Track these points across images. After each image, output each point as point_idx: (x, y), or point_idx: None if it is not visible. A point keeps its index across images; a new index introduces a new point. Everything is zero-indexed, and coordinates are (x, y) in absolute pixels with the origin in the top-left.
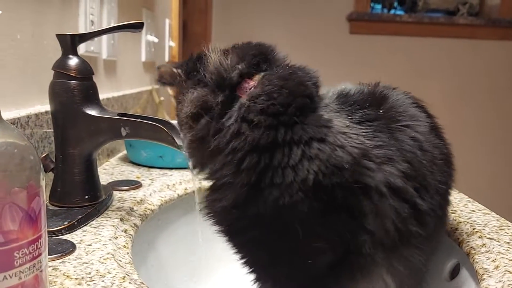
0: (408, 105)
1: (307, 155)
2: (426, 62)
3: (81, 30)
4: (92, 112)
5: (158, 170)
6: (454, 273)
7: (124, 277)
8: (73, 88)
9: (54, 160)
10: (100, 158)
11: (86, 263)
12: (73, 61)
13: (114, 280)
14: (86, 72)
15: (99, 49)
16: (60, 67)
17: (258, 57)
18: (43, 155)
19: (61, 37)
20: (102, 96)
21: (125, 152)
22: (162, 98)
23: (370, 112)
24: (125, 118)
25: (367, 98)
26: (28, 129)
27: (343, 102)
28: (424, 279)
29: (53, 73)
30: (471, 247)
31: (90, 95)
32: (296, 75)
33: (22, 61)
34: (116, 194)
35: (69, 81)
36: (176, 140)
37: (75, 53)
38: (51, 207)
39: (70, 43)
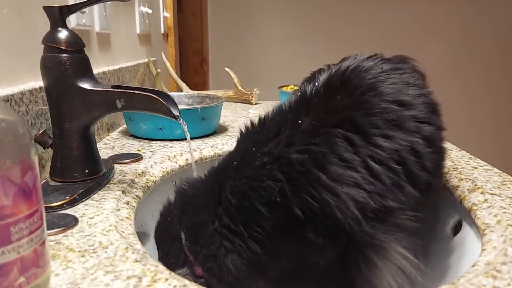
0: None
1: None
2: (430, 19)
3: (72, 2)
4: (86, 85)
5: (158, 142)
6: (457, 229)
7: (127, 247)
8: (65, 62)
9: (52, 136)
10: (100, 133)
11: (89, 235)
12: (62, 34)
13: (117, 251)
14: (76, 44)
15: (91, 22)
16: (49, 41)
17: None
18: (41, 132)
19: (48, 10)
20: (97, 70)
21: (125, 126)
22: (159, 70)
23: None
24: (119, 90)
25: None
26: (23, 106)
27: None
28: (430, 237)
29: (43, 47)
30: (473, 203)
31: (83, 68)
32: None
33: (10, 36)
34: (117, 167)
35: (60, 55)
36: (172, 110)
37: (64, 26)
38: (52, 183)
39: (58, 15)
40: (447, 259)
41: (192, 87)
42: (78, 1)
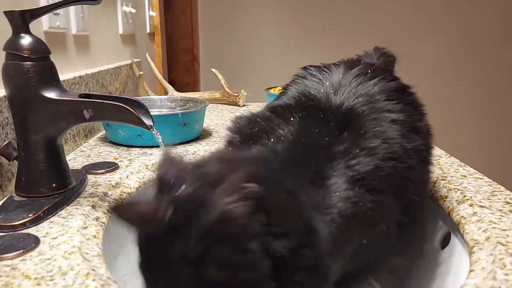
0: (378, 113)
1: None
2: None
3: (42, 4)
4: (51, 94)
5: (138, 149)
6: (445, 242)
7: (87, 273)
8: (28, 70)
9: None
10: (77, 140)
11: (49, 259)
12: (25, 40)
13: (77, 278)
14: (40, 51)
15: (67, 24)
16: (11, 48)
17: None
18: (5, 143)
19: (9, 14)
20: (74, 74)
21: (104, 131)
22: (141, 72)
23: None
24: (87, 100)
25: (344, 139)
26: None
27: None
28: (408, 278)
29: (4, 54)
30: (462, 216)
31: (48, 77)
32: None
33: None
34: (91, 178)
35: (22, 63)
36: (145, 120)
37: (27, 31)
38: (16, 198)
39: (20, 20)
40: (433, 275)
41: (182, 86)
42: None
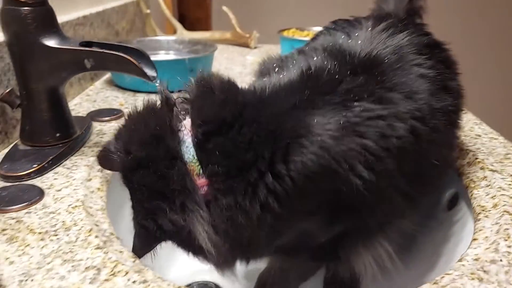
0: (405, 64)
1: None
2: None
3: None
4: (50, 42)
5: (144, 94)
6: (452, 203)
7: (91, 229)
8: (25, 16)
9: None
10: (82, 83)
11: (53, 213)
12: None
13: (80, 234)
14: None
15: None
16: None
17: None
18: (7, 91)
19: None
20: (78, 13)
21: (110, 74)
22: (148, 11)
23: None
24: (88, 49)
25: (357, 78)
26: None
27: (314, 89)
28: (415, 240)
29: None
30: (471, 180)
31: (47, 23)
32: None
33: None
34: (96, 126)
35: (19, 8)
36: (148, 71)
37: None
38: (21, 147)
39: None
40: (439, 239)
41: (194, 22)
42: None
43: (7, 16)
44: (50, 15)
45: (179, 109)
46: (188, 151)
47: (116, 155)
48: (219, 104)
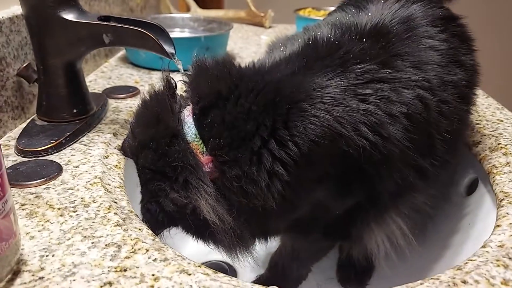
0: (415, 35)
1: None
2: None
3: None
4: (69, 16)
5: (159, 73)
6: (471, 189)
7: (109, 206)
8: None
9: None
10: (97, 60)
11: (72, 189)
12: None
13: (99, 211)
14: None
15: None
16: None
17: None
18: (24, 65)
19: None
20: None
21: (125, 51)
22: None
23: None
24: (107, 23)
25: (359, 43)
26: (2, 37)
27: (312, 55)
28: (431, 220)
29: None
30: (493, 165)
31: None
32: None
33: None
34: (112, 103)
35: None
36: (166, 47)
37: None
38: (39, 122)
39: None
40: (458, 224)
41: None
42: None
43: None
44: None
45: (181, 92)
46: (190, 130)
47: (126, 141)
48: (213, 79)
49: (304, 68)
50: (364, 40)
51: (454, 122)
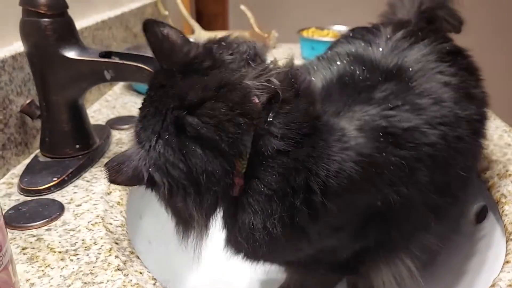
0: (428, 72)
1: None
2: None
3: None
4: (70, 54)
5: None
6: (481, 217)
7: (111, 248)
8: (45, 27)
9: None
10: (101, 88)
11: (73, 230)
12: None
13: (100, 253)
14: (58, 6)
15: None
16: (27, 3)
17: None
18: (27, 102)
19: None
20: (97, 18)
21: None
22: (166, 13)
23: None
24: (107, 60)
25: (388, 84)
26: (4, 75)
27: (354, 97)
28: (439, 255)
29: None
30: (502, 194)
31: (66, 34)
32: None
33: None
34: (115, 134)
35: (39, 19)
36: None
37: None
38: (41, 159)
39: None
40: (466, 256)
41: (211, 18)
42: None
43: (27, 28)
44: (69, 26)
45: (261, 86)
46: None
47: None
48: (302, 123)
49: (347, 112)
50: (390, 80)
51: (469, 159)
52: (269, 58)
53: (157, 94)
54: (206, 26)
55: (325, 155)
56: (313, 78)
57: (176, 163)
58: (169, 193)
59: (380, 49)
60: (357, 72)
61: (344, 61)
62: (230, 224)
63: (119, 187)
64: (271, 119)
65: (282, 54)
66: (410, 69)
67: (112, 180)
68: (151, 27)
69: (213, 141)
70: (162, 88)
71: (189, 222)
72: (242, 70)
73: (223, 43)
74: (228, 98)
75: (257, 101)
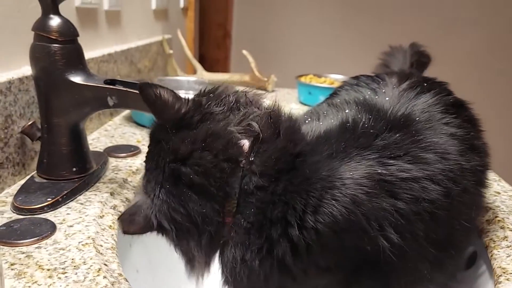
0: (435, 123)
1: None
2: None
3: None
4: (76, 79)
5: None
6: (470, 262)
7: (99, 269)
8: (55, 53)
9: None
10: (102, 118)
11: (63, 249)
12: (54, 22)
13: (88, 273)
14: (69, 34)
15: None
16: (39, 29)
17: None
18: (29, 123)
19: None
20: (104, 51)
21: (129, 110)
22: (171, 51)
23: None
24: (111, 87)
25: (393, 134)
26: (10, 96)
27: (351, 142)
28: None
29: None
30: (491, 239)
31: (74, 60)
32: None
33: (2, 16)
34: (112, 161)
35: (50, 45)
36: None
37: (56, 12)
38: (37, 179)
39: (49, 1)
40: None
41: (213, 63)
42: None
43: (37, 52)
44: (78, 53)
45: (243, 130)
46: (236, 183)
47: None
48: (278, 160)
49: (342, 154)
50: (395, 130)
51: (473, 209)
52: (266, 102)
53: (156, 148)
54: (208, 69)
55: (303, 191)
56: (320, 123)
57: (177, 208)
58: (177, 237)
59: (387, 98)
60: (363, 119)
61: (353, 110)
62: (220, 259)
63: (112, 211)
64: (252, 159)
65: (281, 97)
66: (417, 119)
67: (126, 231)
68: (145, 88)
69: (203, 186)
70: (159, 143)
71: (193, 261)
72: (229, 118)
73: (211, 95)
74: (213, 147)
75: (242, 144)
